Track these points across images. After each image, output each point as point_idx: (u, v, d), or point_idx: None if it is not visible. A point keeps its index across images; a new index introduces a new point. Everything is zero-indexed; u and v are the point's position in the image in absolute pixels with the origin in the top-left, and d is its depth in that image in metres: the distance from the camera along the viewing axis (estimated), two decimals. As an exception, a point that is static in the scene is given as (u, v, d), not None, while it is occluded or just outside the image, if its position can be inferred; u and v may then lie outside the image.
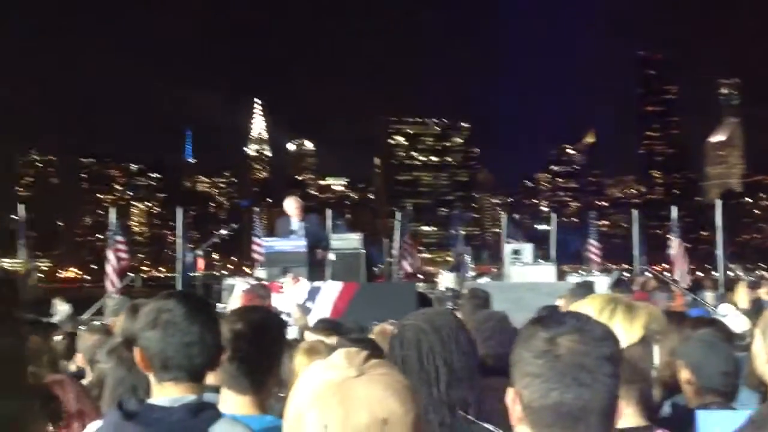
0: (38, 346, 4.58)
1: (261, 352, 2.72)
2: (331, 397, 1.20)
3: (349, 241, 15.24)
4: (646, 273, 19.77)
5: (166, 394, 2.38)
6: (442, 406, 2.31)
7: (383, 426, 1.19)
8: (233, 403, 2.70)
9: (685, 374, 3.39)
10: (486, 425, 2.45)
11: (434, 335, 2.48)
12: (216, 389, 3.28)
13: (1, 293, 0.94)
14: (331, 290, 10.29)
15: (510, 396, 1.57)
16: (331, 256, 12.69)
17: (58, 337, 6.16)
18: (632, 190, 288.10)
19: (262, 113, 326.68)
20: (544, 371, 1.50)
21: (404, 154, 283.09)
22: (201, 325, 2.40)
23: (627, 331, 2.14)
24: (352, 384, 1.22)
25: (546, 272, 15.44)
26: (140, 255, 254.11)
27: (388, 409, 1.20)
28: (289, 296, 8.36)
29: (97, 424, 2.39)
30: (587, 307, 2.29)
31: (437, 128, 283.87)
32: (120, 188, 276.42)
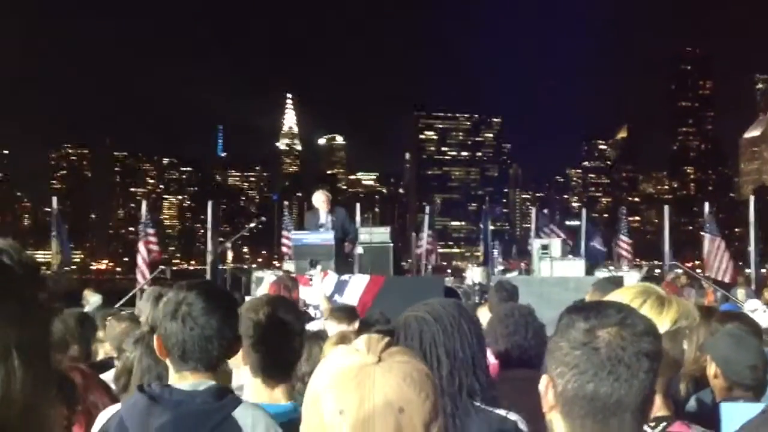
0: (66, 335, 4.63)
1: (284, 340, 2.74)
2: (348, 383, 1.20)
3: (378, 234, 15.28)
4: (677, 269, 19.56)
5: (184, 381, 2.41)
6: (444, 396, 2.31)
7: (399, 414, 1.18)
8: (257, 390, 2.73)
9: (712, 368, 3.35)
10: (497, 411, 2.46)
11: (436, 324, 2.49)
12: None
13: (25, 280, 0.93)
14: (358, 283, 10.30)
15: (543, 382, 1.56)
16: (359, 250, 12.72)
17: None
18: (664, 186, 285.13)
19: (293, 107, 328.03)
20: (581, 363, 1.48)
21: (435, 149, 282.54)
22: (219, 319, 2.42)
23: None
24: (370, 370, 1.21)
25: (575, 267, 15.33)
26: (171, 248, 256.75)
27: (404, 398, 1.19)
28: (318, 289, 8.36)
29: (115, 408, 2.42)
30: (620, 296, 2.26)
31: (468, 123, 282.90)
32: (152, 182, 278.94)
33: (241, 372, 2.81)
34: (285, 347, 2.74)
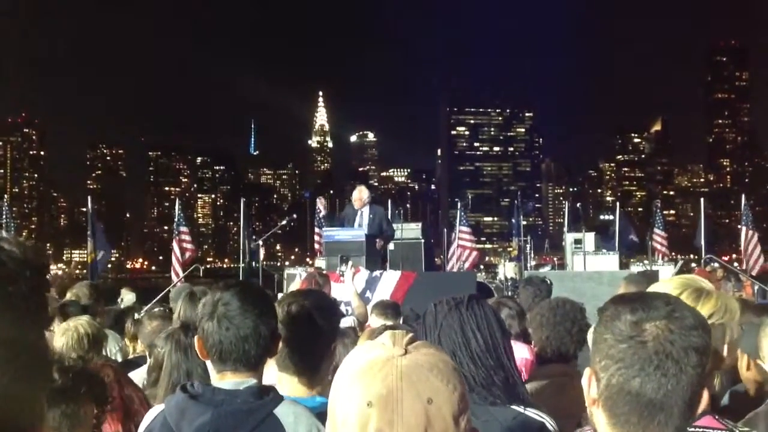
0: (100, 333, 4.69)
1: (315, 335, 2.74)
2: (375, 375, 1.19)
3: (409, 230, 15.27)
4: (713, 263, 19.30)
5: (225, 380, 2.42)
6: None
7: (427, 405, 1.17)
8: (288, 384, 2.73)
9: (744, 362, 3.29)
10: (523, 409, 2.41)
11: (452, 317, 2.46)
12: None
13: (26, 279, 0.92)
14: (389, 279, 10.29)
15: (586, 376, 1.52)
16: (391, 246, 12.70)
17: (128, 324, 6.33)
18: (700, 179, 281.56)
19: (324, 105, 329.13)
20: (627, 357, 1.44)
21: (466, 145, 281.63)
22: (256, 318, 2.43)
23: None
24: (396, 362, 1.20)
25: (608, 261, 15.20)
26: (204, 246, 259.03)
27: (432, 388, 1.18)
28: (349, 285, 8.35)
29: (159, 408, 2.43)
30: (660, 287, 2.22)
31: (500, 118, 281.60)
32: (185, 180, 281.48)
33: (270, 368, 2.82)
34: (312, 341, 2.73)
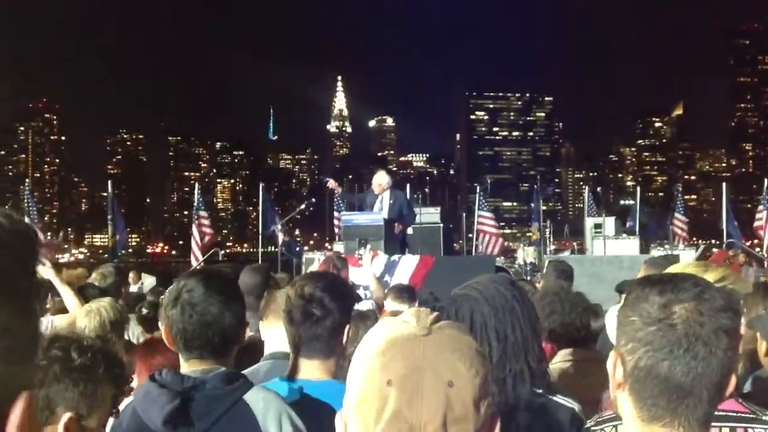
0: (122, 315, 4.72)
1: (329, 316, 2.69)
2: (397, 353, 1.15)
3: (428, 215, 15.24)
4: (736, 248, 19.13)
5: (193, 368, 2.41)
6: (492, 382, 2.24)
7: (448, 388, 1.12)
8: (302, 367, 2.71)
9: (763, 346, 3.25)
10: (553, 397, 2.37)
11: (487, 306, 2.39)
12: (285, 356, 3.32)
13: (8, 248, 0.87)
14: (408, 263, 10.27)
15: (612, 359, 1.48)
16: (410, 230, 12.67)
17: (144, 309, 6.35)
18: (722, 163, 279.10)
19: (343, 90, 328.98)
20: (655, 339, 1.40)
21: (485, 129, 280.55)
22: (219, 305, 2.41)
23: None
24: (419, 342, 1.16)
25: (629, 246, 15.10)
26: (224, 231, 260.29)
27: (454, 372, 1.14)
28: (367, 269, 8.34)
29: (128, 399, 2.42)
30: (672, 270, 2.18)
31: (519, 103, 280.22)
32: (205, 165, 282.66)
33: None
34: (325, 324, 2.68)
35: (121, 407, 2.38)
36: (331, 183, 12.68)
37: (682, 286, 1.44)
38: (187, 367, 2.43)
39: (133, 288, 12.18)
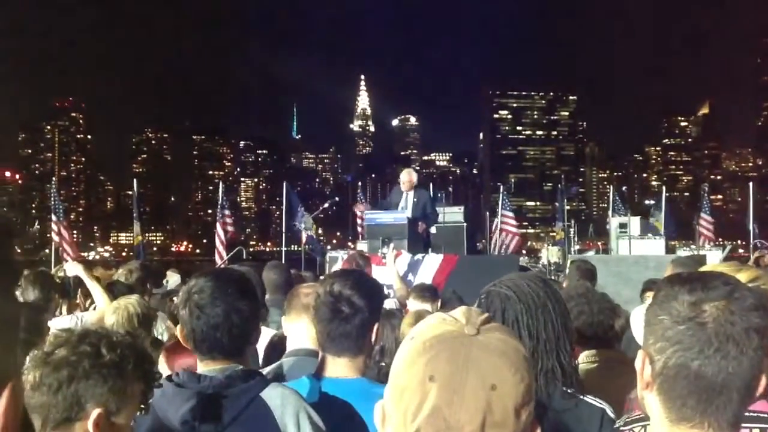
0: (150, 312, 4.76)
1: (358, 314, 2.69)
2: (443, 350, 1.14)
3: (451, 214, 15.20)
4: (764, 248, 18.93)
5: (208, 367, 2.43)
6: None
7: (490, 392, 1.11)
8: (331, 365, 2.71)
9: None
10: (583, 397, 2.35)
11: (520, 303, 2.38)
12: (311, 353, 3.33)
13: None
14: (431, 263, 10.25)
15: (640, 358, 1.46)
16: (433, 229, 12.65)
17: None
18: (749, 163, 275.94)
19: (366, 89, 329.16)
20: (685, 339, 1.38)
21: (509, 128, 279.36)
22: (227, 306, 2.41)
23: None
24: (466, 341, 1.15)
25: (654, 246, 14.98)
26: (248, 230, 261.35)
27: (498, 376, 1.12)
28: (391, 268, 8.35)
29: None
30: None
31: (543, 101, 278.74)
32: (229, 164, 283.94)
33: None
34: (353, 321, 2.68)
35: None
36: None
37: (712, 285, 1.43)
38: (203, 366, 2.45)
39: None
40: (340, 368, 2.69)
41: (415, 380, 1.14)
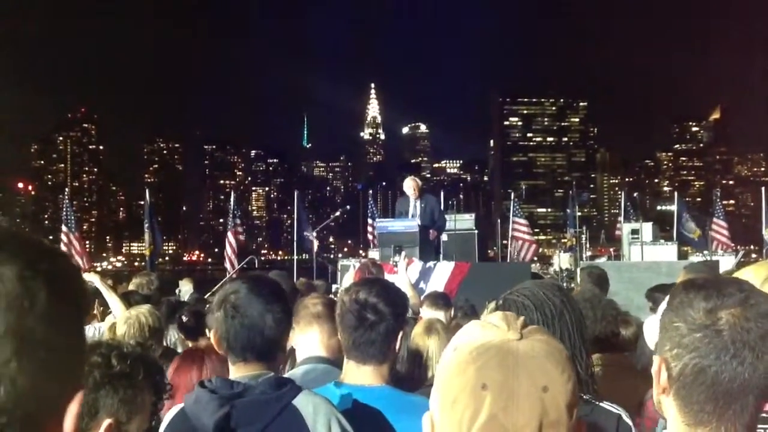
0: (161, 322, 4.77)
1: (383, 321, 2.73)
2: (492, 358, 1.15)
3: (462, 221, 15.19)
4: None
5: (241, 372, 2.44)
6: None
7: (542, 393, 1.13)
8: (355, 372, 2.74)
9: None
10: (600, 404, 2.36)
11: (537, 312, 2.37)
12: (328, 361, 3.34)
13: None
14: (443, 270, 10.26)
15: (656, 364, 1.48)
16: (444, 237, 12.64)
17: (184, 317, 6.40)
18: (761, 167, 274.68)
19: (376, 97, 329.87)
20: (702, 346, 1.40)
21: (519, 135, 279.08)
22: (262, 308, 2.44)
23: None
24: (512, 346, 1.16)
25: (667, 252, 14.90)
26: (259, 239, 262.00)
27: (548, 377, 1.14)
28: (403, 276, 8.34)
29: (179, 406, 2.42)
30: (749, 273, 2.14)
31: (553, 108, 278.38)
32: (240, 174, 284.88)
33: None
34: (378, 329, 2.71)
35: (171, 413, 2.40)
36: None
37: (727, 291, 1.43)
38: (235, 371, 2.46)
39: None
40: (365, 376, 2.72)
41: (467, 390, 1.15)
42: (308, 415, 2.30)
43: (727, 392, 1.39)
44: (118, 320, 4.84)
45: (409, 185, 11.53)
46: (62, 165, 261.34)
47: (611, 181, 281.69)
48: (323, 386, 2.71)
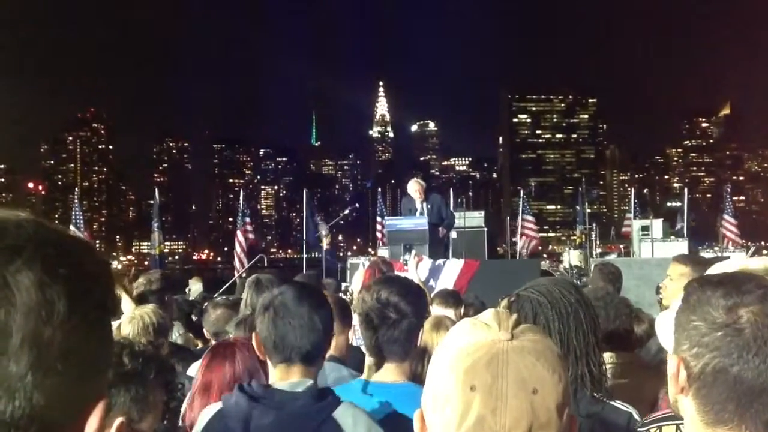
0: (166, 321, 4.77)
1: (405, 319, 2.74)
2: (480, 358, 1.13)
3: (472, 218, 15.17)
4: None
5: (282, 377, 2.43)
6: None
7: (532, 396, 1.11)
8: (380, 370, 2.76)
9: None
10: (611, 402, 2.35)
11: (551, 309, 2.37)
12: (335, 358, 3.34)
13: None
14: (453, 267, 10.23)
15: (674, 362, 1.46)
16: (453, 234, 12.62)
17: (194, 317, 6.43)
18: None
19: (385, 95, 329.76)
20: (723, 345, 1.38)
21: (528, 132, 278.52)
22: (309, 308, 2.45)
23: None
24: (502, 347, 1.14)
25: (677, 248, 14.85)
26: (268, 237, 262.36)
27: (538, 378, 1.12)
28: (412, 274, 8.32)
29: (216, 406, 2.42)
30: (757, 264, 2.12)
31: (562, 105, 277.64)
32: (249, 172, 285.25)
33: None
34: (401, 327, 2.73)
35: (207, 414, 2.39)
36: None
37: (745, 288, 1.41)
38: (277, 373, 2.45)
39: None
40: (387, 373, 2.75)
41: (456, 390, 1.13)
42: (347, 427, 2.30)
43: (749, 391, 1.37)
44: (122, 320, 4.85)
45: (414, 188, 11.44)
46: (72, 165, 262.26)
47: (621, 178, 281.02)
48: (347, 384, 2.75)
